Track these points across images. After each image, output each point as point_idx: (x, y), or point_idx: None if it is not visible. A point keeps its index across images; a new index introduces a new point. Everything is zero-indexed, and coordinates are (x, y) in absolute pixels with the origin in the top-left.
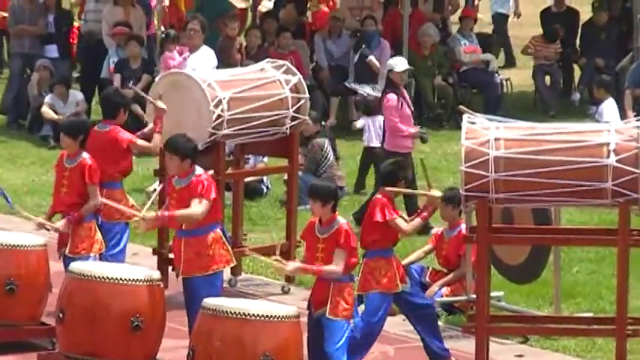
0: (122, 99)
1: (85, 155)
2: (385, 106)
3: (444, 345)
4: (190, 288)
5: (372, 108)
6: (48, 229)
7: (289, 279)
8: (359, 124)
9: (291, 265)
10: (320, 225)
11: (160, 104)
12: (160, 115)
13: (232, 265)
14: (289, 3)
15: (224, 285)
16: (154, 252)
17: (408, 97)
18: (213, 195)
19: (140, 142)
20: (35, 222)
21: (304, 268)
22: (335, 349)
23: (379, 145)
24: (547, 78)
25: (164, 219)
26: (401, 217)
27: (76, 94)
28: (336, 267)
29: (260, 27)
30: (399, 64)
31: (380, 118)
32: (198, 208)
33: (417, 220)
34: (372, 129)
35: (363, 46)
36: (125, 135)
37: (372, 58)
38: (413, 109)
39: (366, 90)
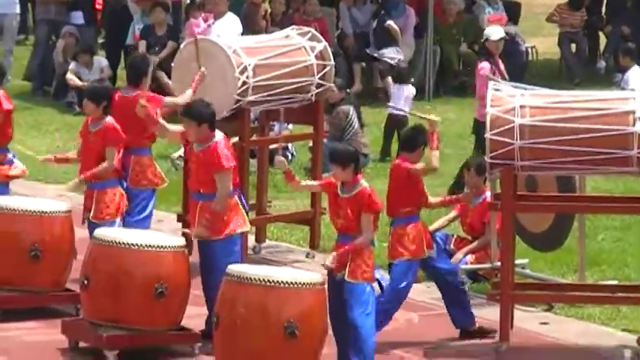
0: (145, 64)
1: (109, 119)
2: (478, 74)
3: (469, 309)
4: (205, 251)
5: (403, 75)
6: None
7: (314, 246)
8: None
9: (328, 260)
10: (342, 187)
11: (202, 69)
12: (200, 78)
13: (246, 230)
14: None
15: (249, 252)
16: (179, 218)
17: (502, 66)
18: (232, 162)
19: (167, 99)
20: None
21: (340, 254)
22: (359, 313)
23: (404, 113)
24: (572, 46)
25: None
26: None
27: (101, 61)
28: (367, 235)
29: None
30: (495, 32)
31: (408, 87)
32: (225, 183)
33: (432, 153)
34: (396, 95)
35: (382, 12)
36: (153, 98)
37: (390, 22)
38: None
39: (391, 55)
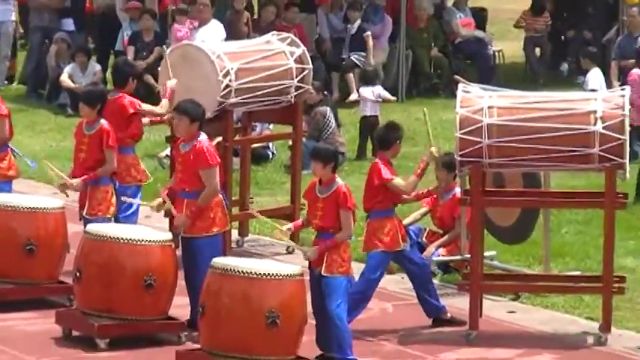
0: (131, 68)
1: (103, 122)
2: (629, 80)
3: (440, 301)
4: (192, 247)
5: (369, 77)
6: (67, 194)
7: (293, 239)
8: (352, 97)
9: (311, 251)
10: (320, 185)
11: (172, 83)
12: (172, 88)
13: (227, 229)
14: None
15: (232, 245)
16: (166, 214)
17: None
18: (218, 160)
19: (145, 106)
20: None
21: (321, 249)
22: (335, 306)
23: (374, 113)
24: (537, 50)
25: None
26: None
27: (95, 65)
28: (346, 231)
29: (268, 1)
30: None
31: (377, 88)
32: (213, 182)
33: (412, 178)
34: (368, 99)
35: (359, 22)
36: (130, 104)
37: (369, 34)
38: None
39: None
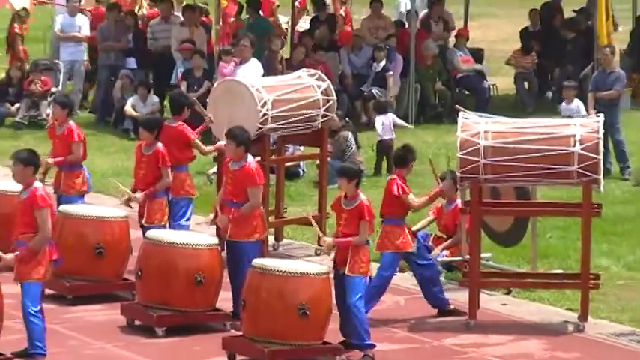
0: (185, 99)
1: (159, 145)
2: None
3: (444, 295)
4: (236, 250)
5: (382, 106)
6: (131, 207)
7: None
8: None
9: (327, 240)
10: (345, 199)
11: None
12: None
13: (265, 235)
14: (322, 24)
15: (269, 248)
16: (212, 222)
17: None
18: (263, 180)
19: (198, 142)
20: (124, 193)
21: (337, 242)
22: (355, 300)
23: (389, 137)
24: (526, 83)
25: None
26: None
27: (153, 97)
28: (361, 237)
29: (300, 43)
30: None
31: (390, 115)
32: (257, 197)
33: (425, 199)
34: (384, 124)
35: (384, 62)
36: (190, 133)
37: (391, 73)
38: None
39: (377, 91)
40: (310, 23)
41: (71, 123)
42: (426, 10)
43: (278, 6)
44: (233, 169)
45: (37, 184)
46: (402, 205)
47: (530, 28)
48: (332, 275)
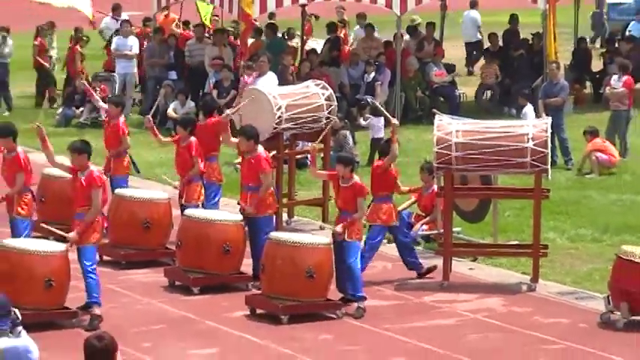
0: (215, 104)
1: (193, 139)
2: None
3: (418, 260)
4: (254, 223)
5: (376, 111)
6: (175, 187)
7: (324, 220)
8: (363, 123)
9: (339, 228)
10: (342, 180)
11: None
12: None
13: (276, 211)
14: (326, 44)
15: (283, 224)
16: (238, 203)
17: None
18: (271, 167)
19: (228, 133)
20: (172, 185)
21: (344, 225)
22: (352, 260)
23: (380, 136)
24: (489, 92)
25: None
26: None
27: (190, 102)
28: (361, 212)
29: (307, 59)
30: None
31: (380, 118)
32: (268, 181)
33: (394, 145)
34: (376, 125)
35: (374, 74)
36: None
37: (378, 84)
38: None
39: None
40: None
41: (120, 120)
42: (407, 37)
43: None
44: (247, 158)
45: (92, 168)
46: (387, 185)
47: (490, 48)
48: (332, 245)
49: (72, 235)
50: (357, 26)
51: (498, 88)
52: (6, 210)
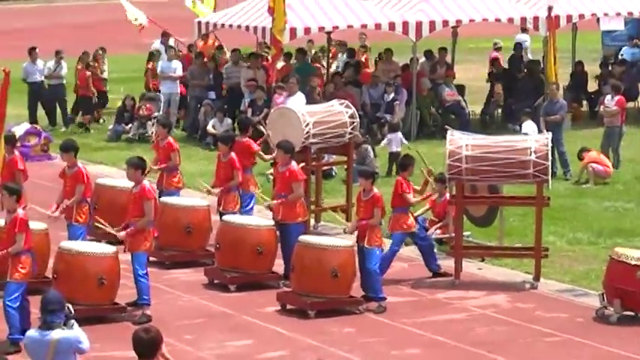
0: (250, 121)
1: (233, 154)
2: None
3: (437, 261)
4: (286, 230)
5: (393, 127)
6: (209, 192)
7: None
8: (383, 143)
9: (352, 224)
10: (363, 193)
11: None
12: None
13: (307, 219)
14: (349, 67)
15: (311, 228)
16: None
17: None
18: (304, 177)
19: (261, 152)
20: (206, 191)
21: (358, 225)
22: (372, 265)
23: (397, 150)
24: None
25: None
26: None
27: (228, 120)
28: (375, 219)
29: (332, 81)
30: None
31: (397, 134)
32: (299, 189)
33: (419, 199)
34: (393, 141)
35: (393, 94)
36: (254, 146)
37: (397, 103)
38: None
39: (388, 117)
40: (344, 64)
41: (170, 138)
42: (423, 59)
43: (316, 52)
44: (281, 171)
45: (145, 182)
46: (404, 200)
47: (494, 70)
48: (355, 248)
49: (122, 234)
50: (341, 54)
51: (503, 106)
52: (64, 217)
